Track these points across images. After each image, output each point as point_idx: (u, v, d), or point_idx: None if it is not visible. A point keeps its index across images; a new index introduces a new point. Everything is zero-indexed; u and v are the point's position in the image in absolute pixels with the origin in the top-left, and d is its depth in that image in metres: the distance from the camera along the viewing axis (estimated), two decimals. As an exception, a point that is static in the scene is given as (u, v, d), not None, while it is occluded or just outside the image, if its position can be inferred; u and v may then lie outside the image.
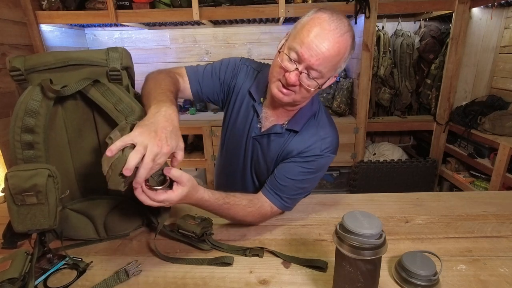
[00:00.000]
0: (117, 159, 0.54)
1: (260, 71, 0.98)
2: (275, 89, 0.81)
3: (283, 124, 0.91)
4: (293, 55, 0.75)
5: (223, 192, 0.79)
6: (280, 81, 0.79)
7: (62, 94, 0.66)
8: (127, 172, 0.53)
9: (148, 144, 0.56)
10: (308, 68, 0.74)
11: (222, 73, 0.98)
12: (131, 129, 0.59)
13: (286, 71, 0.76)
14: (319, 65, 0.73)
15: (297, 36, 0.74)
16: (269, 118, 0.94)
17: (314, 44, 0.71)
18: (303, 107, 0.91)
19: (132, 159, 0.54)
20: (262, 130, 0.94)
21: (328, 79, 0.80)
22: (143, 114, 0.68)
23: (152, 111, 0.64)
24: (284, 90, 0.79)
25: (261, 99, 0.94)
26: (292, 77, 0.75)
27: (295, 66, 0.75)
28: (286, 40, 0.79)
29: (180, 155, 0.62)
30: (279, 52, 0.79)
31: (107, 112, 0.69)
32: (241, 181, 1.04)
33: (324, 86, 0.81)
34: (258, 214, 0.84)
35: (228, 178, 1.09)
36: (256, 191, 0.93)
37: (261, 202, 0.86)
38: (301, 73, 0.75)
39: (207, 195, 0.73)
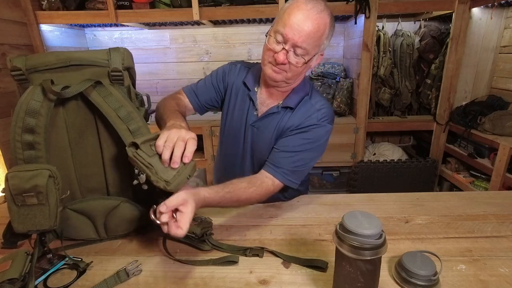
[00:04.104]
0: (190, 164, 0.66)
1: (251, 67, 1.07)
2: (269, 70, 0.89)
3: (278, 104, 0.99)
4: (279, 37, 0.84)
5: (220, 184, 0.81)
6: (271, 63, 0.88)
7: (62, 96, 0.66)
8: (187, 159, 0.65)
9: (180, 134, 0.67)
10: (294, 46, 0.83)
11: (214, 79, 1.07)
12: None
13: (275, 52, 0.85)
14: (303, 42, 0.81)
15: (280, 20, 0.84)
16: (264, 103, 1.01)
17: (295, 24, 0.80)
18: (296, 87, 0.98)
19: (191, 147, 0.66)
20: (259, 115, 1.01)
21: (314, 56, 0.88)
22: (143, 121, 0.72)
23: (167, 125, 0.75)
24: (276, 69, 0.87)
25: (256, 88, 1.02)
26: (280, 56, 0.83)
27: (282, 47, 0.84)
28: (272, 26, 0.88)
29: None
30: (266, 36, 0.88)
31: (108, 118, 0.69)
32: (240, 173, 1.06)
33: (312, 64, 0.91)
34: (260, 191, 0.87)
35: (227, 172, 1.12)
36: None
37: (262, 179, 0.89)
38: (287, 52, 0.84)
39: (207, 193, 0.74)
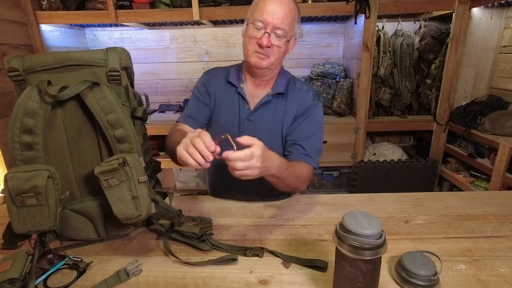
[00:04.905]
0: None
1: (228, 69, 1.12)
2: (254, 58, 0.96)
3: (268, 93, 1.06)
4: (259, 24, 0.93)
5: None
6: (256, 51, 0.95)
7: (58, 98, 0.66)
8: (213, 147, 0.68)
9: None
10: (274, 28, 0.93)
11: (199, 95, 1.11)
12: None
13: (257, 38, 0.93)
14: (281, 23, 0.92)
15: (256, 10, 0.94)
16: (254, 95, 1.07)
17: (271, 10, 0.92)
18: (278, 75, 1.08)
19: (206, 136, 0.69)
20: (252, 108, 1.06)
21: (291, 38, 0.98)
22: (132, 129, 0.72)
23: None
24: (261, 55, 0.96)
25: (241, 84, 1.07)
26: (264, 40, 0.92)
27: (263, 31, 0.93)
28: (247, 19, 0.98)
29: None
30: (247, 25, 0.97)
31: (99, 121, 0.69)
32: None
33: (290, 48, 1.01)
34: (307, 171, 0.97)
35: (222, 173, 1.12)
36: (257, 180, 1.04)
37: (303, 162, 0.97)
38: (269, 35, 0.93)
39: (278, 156, 0.81)
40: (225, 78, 1.09)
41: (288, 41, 0.96)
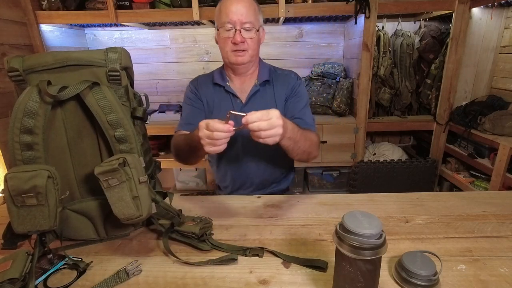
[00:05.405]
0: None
1: (212, 72, 1.19)
2: (233, 57, 1.05)
3: (255, 83, 1.13)
4: (228, 25, 1.01)
5: None
6: (233, 50, 1.03)
7: (58, 98, 0.66)
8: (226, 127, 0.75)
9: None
10: (241, 24, 1.01)
11: (192, 102, 1.15)
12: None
13: (231, 38, 1.02)
14: (246, 17, 1.01)
15: (221, 15, 1.03)
16: (243, 90, 1.14)
17: (234, 9, 1.00)
18: (260, 66, 1.16)
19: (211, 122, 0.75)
20: (244, 101, 1.12)
21: (259, 28, 1.06)
22: (132, 129, 0.72)
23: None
24: (240, 53, 1.04)
25: (227, 83, 1.13)
26: (237, 37, 1.01)
27: (233, 30, 1.01)
28: (216, 26, 1.07)
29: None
30: (218, 30, 1.05)
31: (99, 122, 0.69)
32: (247, 161, 1.15)
33: (261, 38, 1.10)
34: (316, 136, 1.04)
35: (234, 167, 1.18)
36: (258, 162, 1.14)
37: (307, 129, 1.02)
38: (240, 31, 1.01)
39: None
40: (211, 81, 1.15)
41: (257, 30, 1.05)
